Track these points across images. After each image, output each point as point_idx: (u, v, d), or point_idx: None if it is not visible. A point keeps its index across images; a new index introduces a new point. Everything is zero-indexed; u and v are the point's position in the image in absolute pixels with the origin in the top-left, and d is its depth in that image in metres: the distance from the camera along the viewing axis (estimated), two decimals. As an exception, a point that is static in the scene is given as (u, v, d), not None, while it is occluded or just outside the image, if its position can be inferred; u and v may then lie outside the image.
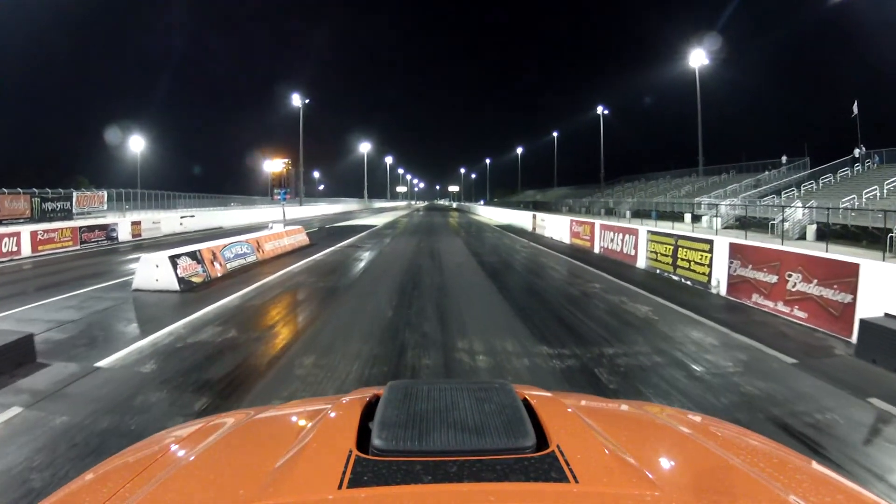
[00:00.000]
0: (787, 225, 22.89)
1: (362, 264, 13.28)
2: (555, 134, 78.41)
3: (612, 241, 14.37)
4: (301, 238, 16.65)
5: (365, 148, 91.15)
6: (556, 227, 21.47)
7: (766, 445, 1.14)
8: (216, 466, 0.97)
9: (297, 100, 55.33)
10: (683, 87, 43.74)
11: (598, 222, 16.07)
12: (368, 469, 0.80)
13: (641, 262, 12.43)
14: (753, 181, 36.30)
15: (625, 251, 13.45)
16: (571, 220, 18.93)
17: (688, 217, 34.60)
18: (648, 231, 12.38)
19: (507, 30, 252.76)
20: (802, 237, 21.58)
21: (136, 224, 21.07)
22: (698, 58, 41.20)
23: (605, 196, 58.62)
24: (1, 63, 57.59)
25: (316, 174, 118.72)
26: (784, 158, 36.07)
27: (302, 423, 1.17)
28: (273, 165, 20.59)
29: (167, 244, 17.87)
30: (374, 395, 1.17)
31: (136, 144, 50.39)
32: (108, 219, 22.11)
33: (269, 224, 17.32)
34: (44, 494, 1.91)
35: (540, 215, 25.70)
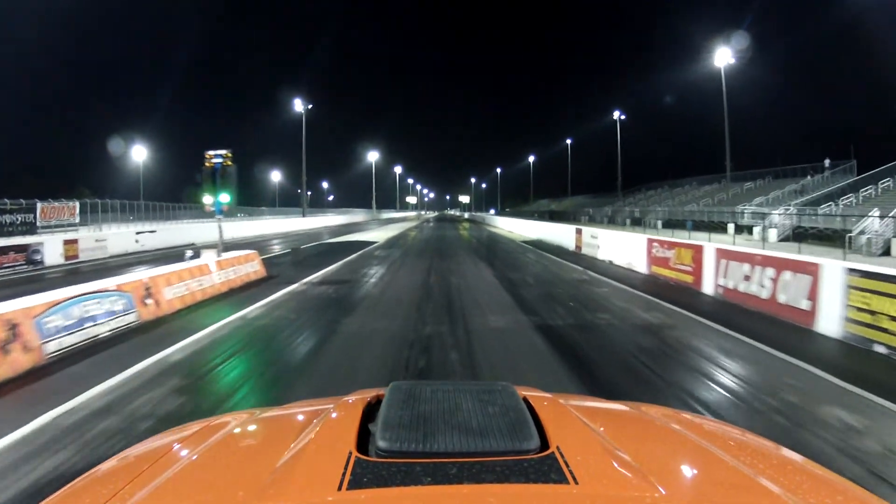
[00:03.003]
0: (864, 238, 19.17)
1: (323, 328, 7.34)
2: (568, 141, 76.66)
3: (747, 279, 8.67)
4: (248, 270, 11.00)
5: (373, 157, 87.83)
6: (619, 247, 15.41)
7: (767, 446, 1.13)
8: (216, 467, 0.97)
9: (299, 105, 51.82)
10: (703, 91, 41.24)
11: (710, 246, 10.22)
12: (368, 471, 0.79)
13: (830, 325, 6.88)
14: (798, 187, 33.11)
15: (783, 300, 7.72)
16: (650, 240, 13.13)
17: (731, 228, 30.78)
18: (849, 269, 6.72)
19: (518, 36, 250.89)
20: (886, 253, 18.02)
21: (70, 243, 16.87)
22: (723, 58, 38.01)
23: (627, 204, 54.75)
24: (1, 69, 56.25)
25: (325, 184, 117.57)
26: (827, 162, 33.26)
27: (302, 424, 1.12)
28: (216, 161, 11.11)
29: (109, 269, 13.73)
30: (374, 397, 1.16)
31: (139, 154, 49.35)
32: (32, 237, 17.83)
33: (188, 251, 11.00)
34: None
35: (588, 230, 19.31)
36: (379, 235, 31.05)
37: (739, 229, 29.84)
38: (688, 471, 0.96)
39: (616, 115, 59.43)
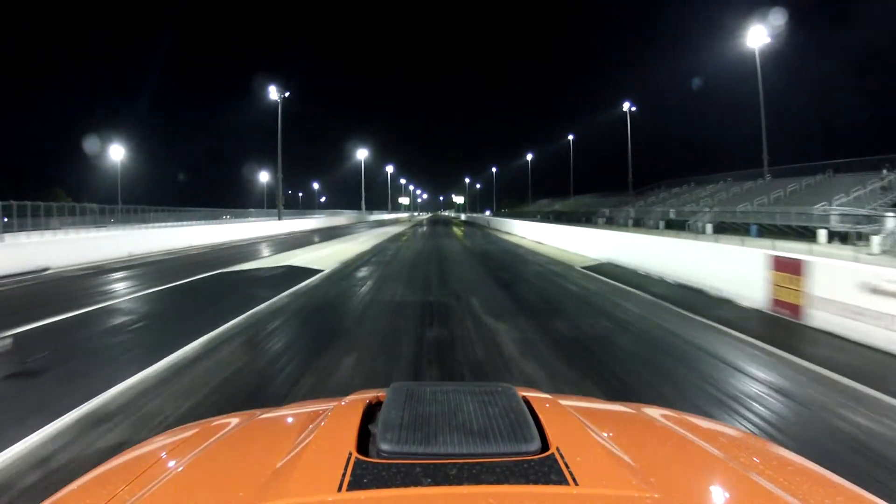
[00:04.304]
0: None
1: None
2: (570, 137, 72.25)
3: None
4: None
5: (362, 155, 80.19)
6: None
7: (767, 447, 1.13)
8: (215, 468, 0.96)
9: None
10: (708, 87, 36.92)
11: None
12: (368, 471, 0.78)
13: None
14: (885, 182, 26.69)
15: None
16: None
17: (822, 235, 22.81)
18: None
19: (514, 31, 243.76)
20: None
21: None
22: (756, 41, 33.81)
23: (650, 204, 46.71)
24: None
25: (316, 185, 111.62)
26: (904, 153, 27.63)
27: (302, 424, 1.08)
28: None
29: None
30: (374, 398, 1.14)
31: (117, 153, 47.63)
32: None
33: None
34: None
35: (872, 273, 5.69)
36: (344, 251, 18.56)
37: (832, 236, 22.33)
38: (688, 472, 0.93)
39: (626, 106, 54.92)
